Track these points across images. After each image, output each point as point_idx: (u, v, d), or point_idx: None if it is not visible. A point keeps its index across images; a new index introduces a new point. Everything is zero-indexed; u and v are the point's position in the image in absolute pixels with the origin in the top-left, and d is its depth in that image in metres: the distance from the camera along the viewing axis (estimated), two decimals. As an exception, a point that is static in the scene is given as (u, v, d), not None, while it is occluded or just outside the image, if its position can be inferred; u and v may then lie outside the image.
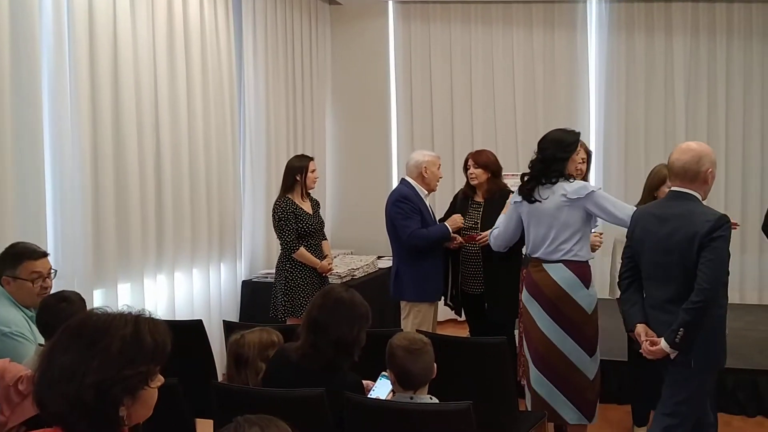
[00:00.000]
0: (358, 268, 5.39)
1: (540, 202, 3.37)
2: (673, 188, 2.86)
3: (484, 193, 4.16)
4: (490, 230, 3.83)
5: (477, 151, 4.28)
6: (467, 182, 4.25)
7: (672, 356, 2.71)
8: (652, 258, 2.84)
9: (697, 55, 6.56)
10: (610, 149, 6.65)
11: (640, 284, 2.94)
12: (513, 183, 4.90)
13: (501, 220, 3.71)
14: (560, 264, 3.32)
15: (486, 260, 4.03)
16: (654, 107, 6.62)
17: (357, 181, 6.89)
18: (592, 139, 6.64)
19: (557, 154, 3.35)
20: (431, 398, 2.36)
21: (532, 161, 3.48)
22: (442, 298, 4.28)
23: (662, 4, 6.57)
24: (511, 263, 3.90)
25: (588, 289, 3.34)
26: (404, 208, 4.02)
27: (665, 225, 2.80)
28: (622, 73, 6.63)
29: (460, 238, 4.11)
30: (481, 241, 3.99)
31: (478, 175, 4.12)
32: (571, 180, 3.38)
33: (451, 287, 4.24)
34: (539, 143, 3.48)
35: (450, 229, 4.05)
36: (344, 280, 5.07)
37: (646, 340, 2.78)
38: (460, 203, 4.25)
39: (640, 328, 2.83)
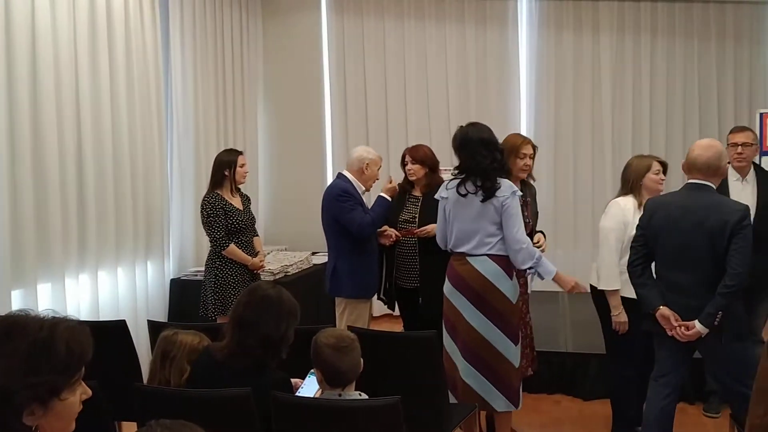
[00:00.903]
0: (292, 265, 5.32)
1: (473, 196, 3.41)
2: (693, 181, 3.11)
3: (422, 188, 4.16)
4: (435, 224, 3.81)
5: (414, 147, 4.27)
6: (405, 177, 4.24)
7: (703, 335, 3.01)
8: (678, 245, 3.07)
9: (622, 53, 6.75)
10: (540, 144, 6.68)
11: (651, 269, 3.20)
12: (448, 177, 4.94)
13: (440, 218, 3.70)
14: (485, 257, 3.40)
15: (422, 254, 4.04)
16: (582, 103, 6.77)
17: (290, 176, 6.81)
18: (522, 132, 6.75)
19: (495, 155, 3.49)
20: (360, 394, 2.34)
21: (460, 158, 3.54)
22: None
23: (590, 2, 6.73)
24: (448, 257, 3.91)
25: (511, 280, 3.44)
26: (347, 203, 3.98)
27: (693, 214, 3.04)
28: (552, 70, 6.77)
29: (395, 233, 4.10)
30: (421, 233, 3.99)
31: (416, 170, 4.12)
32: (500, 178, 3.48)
33: (385, 281, 4.22)
34: (468, 143, 3.55)
35: (387, 197, 4.08)
36: (277, 277, 5.00)
37: (680, 325, 3.02)
38: (398, 198, 4.22)
39: (667, 311, 3.06)
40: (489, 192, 3.36)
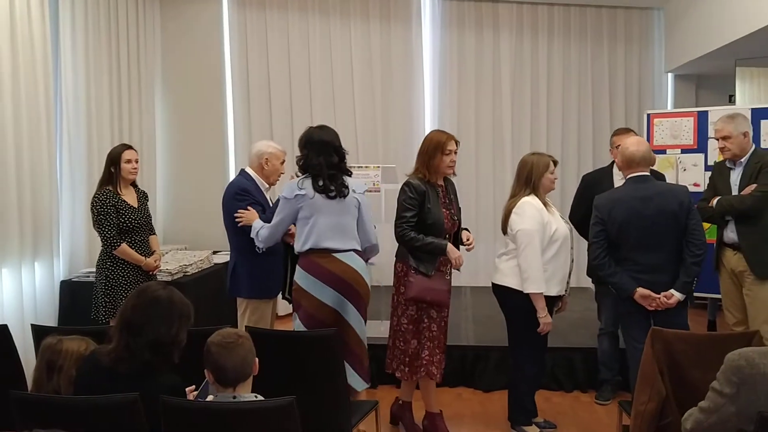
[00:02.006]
0: (191, 264, 5.16)
1: (336, 196, 3.45)
2: (636, 174, 3.52)
3: None
4: None
5: None
6: None
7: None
8: (645, 231, 3.44)
9: (521, 53, 6.95)
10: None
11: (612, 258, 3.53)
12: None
13: (278, 217, 3.60)
14: (352, 252, 3.50)
15: None
16: (483, 100, 6.94)
17: (191, 173, 6.62)
18: (427, 130, 6.82)
19: (342, 152, 3.54)
20: (256, 396, 2.28)
21: (319, 158, 3.49)
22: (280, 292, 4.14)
23: (490, 3, 6.90)
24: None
25: (368, 271, 3.61)
26: (243, 202, 3.84)
27: (653, 201, 3.45)
28: (455, 68, 6.89)
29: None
30: None
31: None
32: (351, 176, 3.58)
33: (291, 280, 4.08)
34: (313, 143, 3.54)
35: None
36: (175, 278, 4.83)
37: (660, 297, 3.43)
38: None
39: (644, 291, 3.45)
40: (341, 191, 3.46)
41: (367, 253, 3.66)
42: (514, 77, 6.95)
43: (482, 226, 6.81)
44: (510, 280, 3.64)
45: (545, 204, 3.64)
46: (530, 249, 3.52)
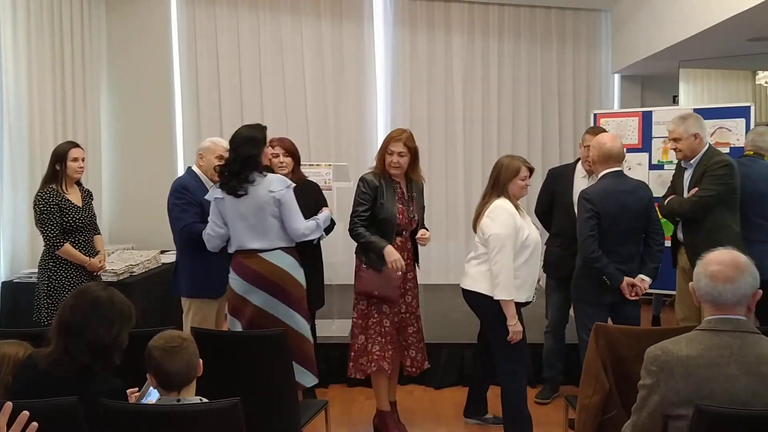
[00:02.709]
0: (138, 264, 5.05)
1: (246, 195, 3.39)
2: (614, 169, 3.66)
3: None
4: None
5: (280, 138, 3.99)
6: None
7: None
8: (630, 223, 3.62)
9: (472, 52, 7.01)
10: (395, 140, 6.89)
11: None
12: (314, 172, 4.87)
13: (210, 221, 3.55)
14: (279, 251, 3.43)
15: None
16: (435, 100, 6.98)
17: (138, 171, 6.49)
18: (380, 130, 6.85)
19: (251, 151, 3.39)
20: (201, 399, 2.24)
21: (227, 159, 3.49)
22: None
23: (442, 3, 6.93)
24: (317, 254, 3.91)
25: (301, 268, 3.52)
26: (179, 200, 3.78)
27: (634, 195, 3.64)
28: (407, 67, 6.91)
29: None
30: None
31: (287, 163, 3.90)
32: (265, 174, 3.45)
33: None
34: (231, 142, 3.49)
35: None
36: (121, 278, 4.73)
37: (638, 285, 3.61)
38: None
39: (630, 280, 3.62)
40: (247, 187, 3.38)
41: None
42: (466, 76, 7.00)
43: (434, 224, 6.82)
44: (480, 285, 3.52)
45: (517, 208, 3.52)
46: (502, 254, 3.39)
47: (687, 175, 4.03)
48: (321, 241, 3.90)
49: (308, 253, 3.75)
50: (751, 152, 4.26)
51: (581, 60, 7.24)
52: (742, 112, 5.17)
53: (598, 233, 3.60)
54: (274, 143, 3.89)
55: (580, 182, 4.17)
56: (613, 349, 2.86)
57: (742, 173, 3.97)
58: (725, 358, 1.95)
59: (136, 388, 2.45)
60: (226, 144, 3.82)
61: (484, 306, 3.53)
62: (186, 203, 3.77)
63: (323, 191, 4.11)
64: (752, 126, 5.15)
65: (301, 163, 4.15)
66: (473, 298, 3.58)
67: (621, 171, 3.70)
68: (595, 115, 5.82)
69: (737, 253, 2.07)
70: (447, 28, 6.96)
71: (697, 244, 3.86)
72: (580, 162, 4.30)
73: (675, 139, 3.97)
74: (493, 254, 3.42)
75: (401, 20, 6.89)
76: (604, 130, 4.25)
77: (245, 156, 3.38)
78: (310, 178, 4.10)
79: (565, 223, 4.16)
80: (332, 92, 6.77)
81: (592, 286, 3.68)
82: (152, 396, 2.35)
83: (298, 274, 3.50)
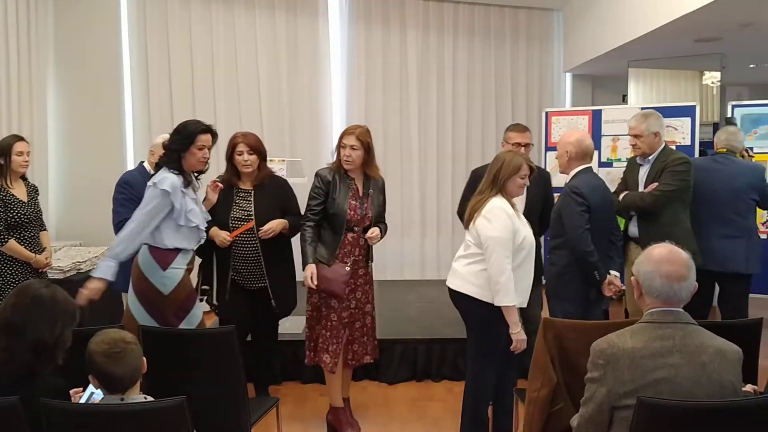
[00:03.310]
0: (86, 261, 4.94)
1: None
2: (587, 165, 3.64)
3: (252, 180, 3.86)
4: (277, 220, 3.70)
5: (245, 134, 3.87)
6: (231, 168, 3.86)
7: None
8: (607, 219, 3.67)
9: (427, 49, 7.05)
10: (350, 135, 6.88)
11: None
12: (277, 168, 4.82)
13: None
14: (144, 247, 3.34)
15: (266, 252, 3.80)
16: (391, 95, 7.01)
17: (86, 166, 6.33)
18: (335, 126, 6.83)
19: (172, 145, 3.32)
20: (145, 397, 2.20)
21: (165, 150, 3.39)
22: (205, 297, 3.93)
23: (397, -1, 6.96)
24: (289, 251, 3.90)
25: (165, 271, 3.32)
26: (121, 194, 3.74)
27: (608, 191, 3.74)
28: (362, 63, 6.91)
29: (225, 235, 3.74)
30: (266, 234, 3.75)
31: (252, 161, 3.80)
32: (172, 171, 3.33)
33: (218, 286, 3.88)
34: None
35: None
36: (68, 275, 4.63)
37: (615, 281, 3.61)
38: (224, 192, 3.81)
39: (610, 277, 3.61)
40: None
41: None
42: (421, 73, 7.04)
43: (389, 221, 6.79)
44: (469, 288, 3.31)
45: (513, 207, 3.33)
46: (500, 259, 3.19)
47: (643, 172, 4.14)
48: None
49: (279, 252, 3.73)
50: (724, 150, 4.37)
51: (534, 59, 7.35)
52: (688, 111, 5.31)
53: (589, 227, 3.52)
54: (238, 140, 3.80)
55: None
56: (561, 342, 2.90)
57: (716, 170, 4.16)
58: (668, 348, 2.02)
59: (81, 388, 2.40)
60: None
61: (471, 309, 3.30)
62: (126, 198, 3.73)
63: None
64: (697, 125, 5.30)
65: (274, 158, 4.14)
66: (460, 299, 3.36)
67: (590, 167, 3.69)
68: (546, 113, 5.91)
69: (680, 249, 2.14)
70: (402, 24, 6.98)
71: (653, 238, 3.97)
72: None
73: (636, 136, 4.07)
74: (490, 258, 3.21)
75: (356, 15, 6.88)
76: (527, 128, 4.22)
77: (168, 147, 3.33)
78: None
79: None
80: (287, 87, 6.72)
81: (579, 281, 3.57)
82: (96, 395, 2.30)
83: (154, 276, 3.30)
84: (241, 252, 3.83)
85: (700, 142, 5.35)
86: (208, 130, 3.38)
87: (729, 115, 5.48)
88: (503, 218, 3.23)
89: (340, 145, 3.66)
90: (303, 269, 3.61)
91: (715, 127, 6.31)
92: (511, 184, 3.31)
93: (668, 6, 4.83)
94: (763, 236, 5.18)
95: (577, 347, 2.89)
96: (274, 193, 3.84)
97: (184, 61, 6.48)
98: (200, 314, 3.42)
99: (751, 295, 4.31)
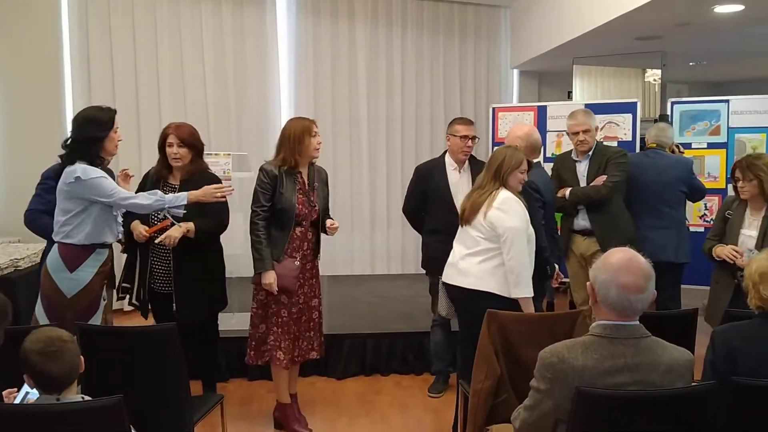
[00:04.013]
0: (24, 258, 4.78)
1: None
2: (537, 159, 3.76)
3: (182, 175, 3.67)
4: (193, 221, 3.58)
5: (179, 125, 3.69)
6: (163, 160, 3.71)
7: None
8: (552, 213, 3.83)
9: (376, 43, 7.05)
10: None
11: None
12: (212, 162, 4.74)
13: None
14: (56, 244, 3.24)
15: (177, 255, 3.59)
16: (339, 89, 6.98)
17: (24, 160, 6.10)
18: (284, 119, 6.75)
19: (96, 133, 3.20)
20: (83, 397, 2.15)
21: (66, 139, 3.28)
22: (127, 296, 3.78)
23: (345, -8, 6.93)
24: (206, 258, 3.71)
25: (72, 272, 3.19)
26: (40, 185, 3.61)
27: (552, 187, 3.94)
28: (310, 56, 6.86)
29: (145, 229, 3.54)
30: (168, 241, 3.48)
31: (183, 154, 3.63)
32: (104, 161, 3.29)
33: (138, 285, 3.72)
34: (73, 121, 3.30)
35: None
36: (5, 272, 4.47)
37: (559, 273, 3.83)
38: (151, 185, 3.67)
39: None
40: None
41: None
42: (370, 67, 7.03)
43: (339, 215, 6.79)
44: (487, 284, 3.28)
45: None
46: (519, 249, 3.21)
47: (583, 167, 4.28)
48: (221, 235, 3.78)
49: (196, 255, 3.59)
50: (654, 145, 4.55)
51: (482, 54, 7.42)
52: (630, 108, 5.45)
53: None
54: (170, 131, 3.67)
55: (453, 175, 4.15)
56: (504, 334, 2.95)
57: (647, 164, 4.36)
58: (619, 367, 1.96)
59: (15, 389, 2.32)
60: None
61: (490, 306, 3.08)
62: (44, 189, 3.58)
63: (223, 181, 3.98)
64: (638, 121, 5.44)
65: (209, 152, 4.01)
66: (477, 298, 3.26)
67: (540, 162, 3.83)
68: (493, 108, 5.98)
69: (640, 257, 2.04)
70: (351, 18, 6.96)
71: (605, 228, 4.17)
72: (447, 154, 4.21)
73: (585, 131, 4.20)
74: (510, 250, 3.21)
75: (304, 9, 6.83)
76: (472, 121, 4.23)
77: (83, 137, 3.19)
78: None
79: (445, 217, 4.01)
80: (233, 80, 6.62)
81: (534, 276, 3.50)
82: (31, 396, 2.23)
83: (59, 276, 3.18)
84: (157, 251, 3.65)
85: (641, 138, 5.49)
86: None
87: (668, 111, 5.63)
88: (519, 209, 3.29)
89: (310, 135, 3.59)
90: (257, 271, 3.55)
91: (656, 123, 6.49)
92: (513, 179, 3.34)
93: (610, 4, 4.93)
94: (700, 229, 5.36)
95: (521, 339, 2.94)
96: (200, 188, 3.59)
97: (127, 52, 6.30)
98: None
99: (685, 286, 4.47)
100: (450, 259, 3.50)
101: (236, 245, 4.71)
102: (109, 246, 3.35)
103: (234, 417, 3.87)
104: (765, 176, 3.50)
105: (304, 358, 3.79)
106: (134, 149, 6.24)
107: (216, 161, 4.71)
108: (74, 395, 2.13)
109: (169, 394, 2.75)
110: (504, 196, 3.29)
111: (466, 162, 4.20)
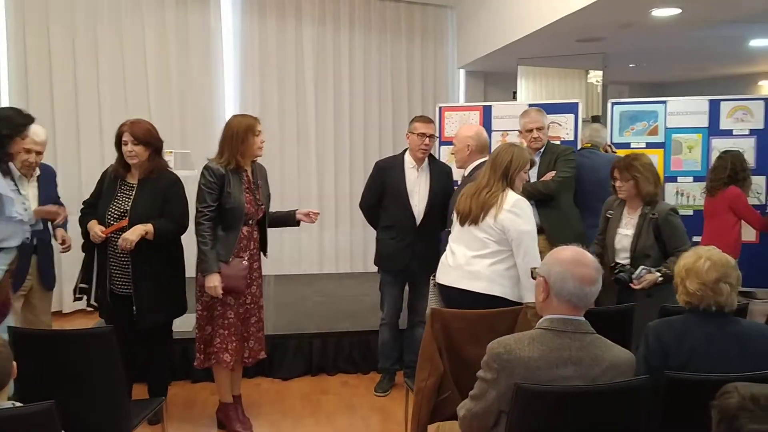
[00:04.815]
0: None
1: None
2: (483, 159, 3.71)
3: (140, 173, 3.51)
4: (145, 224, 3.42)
5: (135, 122, 3.52)
6: (121, 158, 3.52)
7: None
8: None
9: (324, 43, 7.01)
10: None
11: None
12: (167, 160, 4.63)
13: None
14: None
15: (136, 256, 3.44)
16: (287, 89, 6.93)
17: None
18: (228, 116, 6.64)
19: (1, 130, 3.05)
20: (14, 404, 2.07)
21: None
22: (84, 297, 3.65)
23: (292, -8, 6.87)
24: (166, 260, 3.58)
25: None
26: None
27: None
28: (256, 54, 6.79)
29: (99, 230, 3.42)
30: (125, 245, 3.34)
31: (138, 152, 3.45)
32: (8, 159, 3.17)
33: (97, 286, 3.60)
34: None
35: None
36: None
37: None
38: (109, 184, 3.55)
39: None
40: None
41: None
42: (318, 67, 7.00)
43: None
44: (499, 289, 3.20)
45: None
46: (535, 252, 3.14)
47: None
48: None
49: (156, 257, 3.47)
50: (589, 145, 4.70)
51: (429, 54, 7.47)
52: (571, 108, 5.54)
53: None
54: (124, 128, 3.50)
55: (410, 173, 4.16)
56: (448, 332, 2.96)
57: (583, 163, 4.47)
58: (564, 359, 2.00)
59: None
60: (42, 136, 3.55)
61: (472, 300, 3.14)
62: None
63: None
64: (580, 121, 5.55)
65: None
66: (485, 302, 3.13)
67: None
68: (440, 108, 6.01)
69: (587, 252, 2.10)
70: (297, 17, 6.91)
71: (554, 224, 4.21)
72: (407, 152, 4.22)
73: (539, 129, 4.32)
74: (524, 254, 3.14)
75: (250, 7, 6.75)
76: (431, 120, 4.25)
77: None
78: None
79: (400, 215, 4.11)
80: (177, 78, 6.50)
81: None
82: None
83: None
84: (115, 253, 3.50)
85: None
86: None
87: (608, 112, 5.76)
88: (529, 212, 3.22)
89: (254, 133, 3.54)
90: (201, 274, 3.48)
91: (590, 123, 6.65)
92: (518, 180, 3.29)
93: (552, 6, 5.02)
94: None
95: (464, 336, 2.97)
96: (157, 191, 3.51)
97: (66, 50, 6.09)
98: (4, 330, 2.96)
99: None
100: (450, 261, 3.34)
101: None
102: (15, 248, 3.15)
103: (177, 419, 3.81)
104: (641, 177, 3.53)
105: (255, 358, 3.76)
106: (73, 148, 6.08)
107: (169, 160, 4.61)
108: (4, 402, 2.06)
109: (106, 398, 2.68)
110: (515, 198, 3.21)
111: (426, 161, 4.20)
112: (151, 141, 3.50)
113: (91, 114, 6.14)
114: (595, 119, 5.75)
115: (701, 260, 2.35)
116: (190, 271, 3.68)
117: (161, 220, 3.48)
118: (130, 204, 3.48)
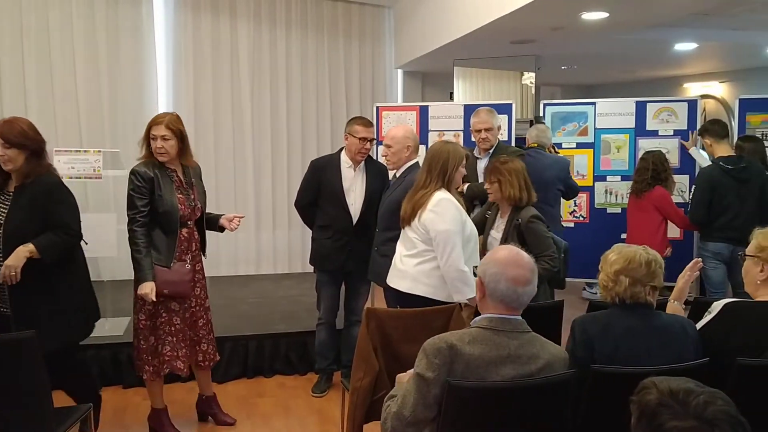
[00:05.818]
0: None
1: None
2: (416, 160, 3.69)
3: (18, 179, 3.09)
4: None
5: (5, 122, 3.08)
6: None
7: None
8: None
9: (260, 42, 6.93)
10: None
11: None
12: (68, 159, 4.49)
13: None
14: None
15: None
16: (221, 87, 6.82)
17: None
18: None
19: None
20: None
21: None
22: None
23: (226, -12, 6.77)
24: (48, 278, 3.14)
25: None
26: None
27: None
28: (189, 51, 6.66)
29: None
30: (6, 274, 2.95)
31: (12, 156, 3.04)
32: None
33: None
34: None
35: None
36: None
37: None
38: None
39: None
40: None
41: None
42: (253, 65, 6.91)
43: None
44: (423, 288, 3.24)
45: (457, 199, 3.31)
46: (456, 251, 3.13)
47: (483, 165, 4.36)
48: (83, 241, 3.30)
49: (60, 267, 3.14)
50: (536, 145, 4.78)
51: (367, 54, 7.47)
52: (506, 109, 5.64)
53: None
54: None
55: (347, 172, 4.14)
56: (383, 331, 2.97)
57: (531, 164, 4.41)
58: (503, 357, 2.02)
59: None
60: None
61: (403, 301, 3.20)
62: None
63: (92, 179, 3.74)
64: (514, 122, 5.66)
65: (64, 149, 3.72)
66: (411, 302, 3.19)
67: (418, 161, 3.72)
68: (377, 107, 6.03)
69: (524, 252, 2.13)
70: (232, 14, 6.81)
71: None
72: (343, 152, 4.19)
73: (488, 129, 4.33)
74: (446, 254, 3.14)
75: (183, 4, 6.61)
76: (372, 124, 4.23)
77: None
78: (73, 167, 3.66)
79: (336, 214, 4.11)
80: (106, 75, 6.31)
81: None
82: None
83: None
84: None
85: (516, 138, 5.71)
86: None
87: (541, 113, 5.89)
88: (452, 210, 3.20)
89: (149, 137, 3.43)
90: (137, 283, 3.36)
91: (531, 123, 6.79)
92: (457, 176, 3.30)
93: (485, 8, 5.09)
94: (570, 225, 5.65)
95: (399, 335, 2.98)
96: (33, 199, 3.05)
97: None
98: None
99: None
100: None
101: (109, 248, 4.51)
102: None
103: (107, 427, 3.70)
104: (504, 180, 3.59)
105: (212, 361, 3.69)
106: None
107: (86, 158, 4.48)
108: None
109: (25, 406, 2.57)
110: (439, 197, 3.21)
111: (362, 162, 4.17)
112: (25, 143, 3.05)
113: (16, 111, 5.88)
114: (538, 120, 5.86)
115: (612, 253, 2.42)
116: (106, 274, 3.52)
117: (45, 235, 3.03)
118: (6, 212, 3.07)
